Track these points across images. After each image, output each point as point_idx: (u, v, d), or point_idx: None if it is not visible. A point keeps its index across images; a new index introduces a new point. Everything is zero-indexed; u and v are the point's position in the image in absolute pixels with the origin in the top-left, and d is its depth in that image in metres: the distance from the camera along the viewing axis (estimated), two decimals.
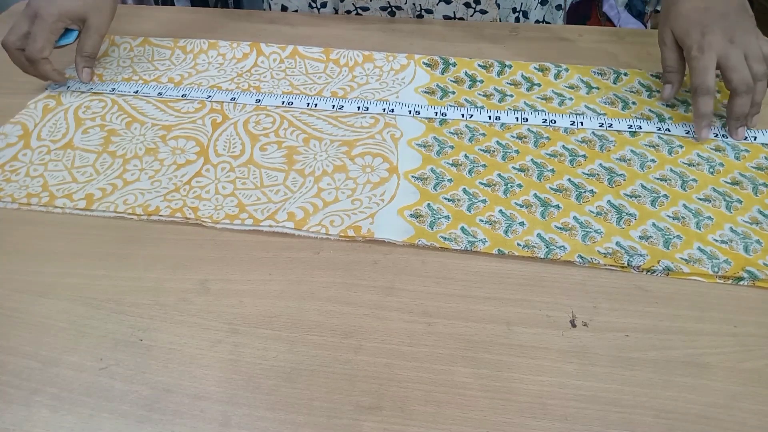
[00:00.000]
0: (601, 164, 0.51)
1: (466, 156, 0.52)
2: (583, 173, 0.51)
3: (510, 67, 0.62)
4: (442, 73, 0.62)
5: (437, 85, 0.60)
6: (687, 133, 0.54)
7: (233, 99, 0.59)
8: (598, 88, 0.60)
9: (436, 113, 0.57)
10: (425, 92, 0.60)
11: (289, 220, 0.47)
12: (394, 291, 0.42)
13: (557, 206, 0.48)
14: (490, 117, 0.56)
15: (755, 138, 0.54)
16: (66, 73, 0.62)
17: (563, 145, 0.53)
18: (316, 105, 0.57)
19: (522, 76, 0.61)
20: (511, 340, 0.39)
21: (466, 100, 0.59)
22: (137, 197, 0.49)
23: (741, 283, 0.43)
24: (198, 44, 0.66)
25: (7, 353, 0.39)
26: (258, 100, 0.58)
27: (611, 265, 0.44)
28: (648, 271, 0.43)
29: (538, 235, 0.45)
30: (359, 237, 0.45)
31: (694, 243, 0.45)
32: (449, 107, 0.57)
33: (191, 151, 0.53)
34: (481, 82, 0.61)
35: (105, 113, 0.58)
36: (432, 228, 0.46)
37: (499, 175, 0.50)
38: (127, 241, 0.46)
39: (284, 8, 0.77)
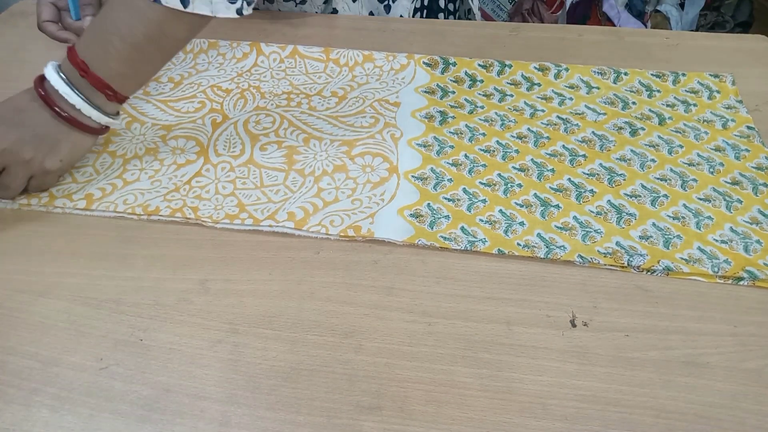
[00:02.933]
0: (601, 164, 0.51)
1: (466, 156, 0.52)
2: (583, 173, 0.51)
3: (510, 66, 0.62)
4: (442, 73, 0.62)
5: (437, 85, 0.60)
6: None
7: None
8: (598, 88, 0.60)
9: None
10: (425, 92, 0.59)
11: (289, 219, 0.46)
12: (394, 291, 0.42)
13: (557, 206, 0.48)
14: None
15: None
16: None
17: (563, 145, 0.53)
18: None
19: (522, 75, 0.61)
20: (511, 340, 0.39)
21: (466, 99, 0.59)
22: (137, 197, 0.49)
23: (741, 283, 0.43)
24: (198, 44, 0.66)
25: (7, 353, 0.39)
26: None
27: (611, 265, 0.43)
28: (648, 271, 0.43)
29: (538, 234, 0.45)
30: (359, 237, 0.45)
31: (694, 243, 0.45)
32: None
33: (191, 151, 0.53)
34: (481, 81, 0.61)
35: None
36: (432, 228, 0.46)
37: (499, 174, 0.50)
38: (127, 241, 0.46)
39: None
